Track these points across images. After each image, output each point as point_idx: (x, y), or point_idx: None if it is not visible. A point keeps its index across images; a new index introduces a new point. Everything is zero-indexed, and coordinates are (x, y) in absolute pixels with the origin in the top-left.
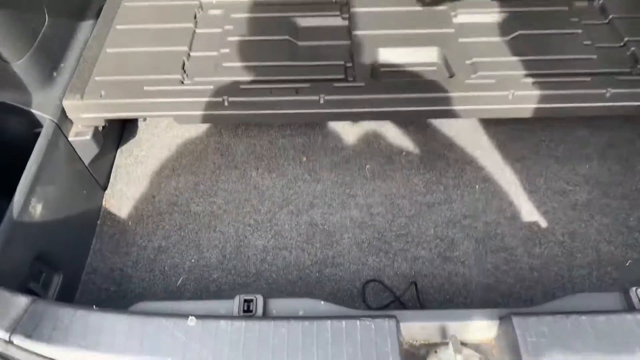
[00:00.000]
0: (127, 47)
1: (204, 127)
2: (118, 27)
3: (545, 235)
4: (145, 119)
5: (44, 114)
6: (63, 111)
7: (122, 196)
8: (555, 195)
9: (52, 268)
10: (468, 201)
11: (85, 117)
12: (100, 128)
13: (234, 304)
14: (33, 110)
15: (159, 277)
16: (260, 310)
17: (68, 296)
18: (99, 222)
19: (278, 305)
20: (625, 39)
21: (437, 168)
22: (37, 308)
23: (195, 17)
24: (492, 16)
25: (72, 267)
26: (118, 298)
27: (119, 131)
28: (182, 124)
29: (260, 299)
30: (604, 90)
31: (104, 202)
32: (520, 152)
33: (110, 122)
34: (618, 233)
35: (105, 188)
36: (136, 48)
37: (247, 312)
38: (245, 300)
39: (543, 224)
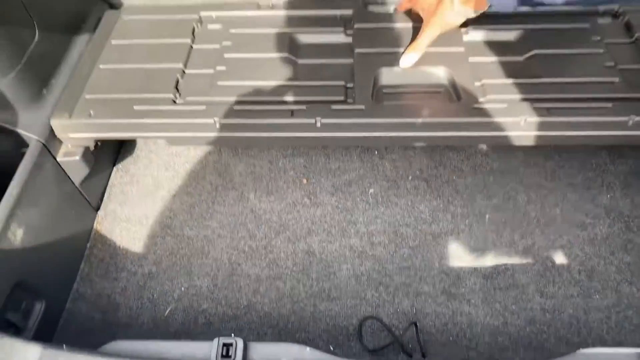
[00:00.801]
0: (120, 64)
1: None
2: (114, 42)
3: (560, 272)
4: None
5: (31, 134)
6: (52, 130)
7: (115, 217)
8: (572, 227)
9: (33, 296)
10: (477, 232)
11: (74, 137)
12: (92, 147)
13: (212, 348)
14: (19, 130)
15: (147, 305)
16: (239, 356)
17: (50, 325)
18: (88, 244)
19: (260, 350)
20: None
21: (444, 195)
22: None
23: (193, 32)
24: (506, 33)
25: (57, 294)
26: (104, 327)
27: (116, 148)
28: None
29: (240, 343)
30: (627, 118)
31: (95, 224)
32: (535, 179)
33: (105, 140)
34: None
35: (97, 208)
36: (129, 64)
37: (226, 357)
38: (224, 344)
39: (558, 259)
